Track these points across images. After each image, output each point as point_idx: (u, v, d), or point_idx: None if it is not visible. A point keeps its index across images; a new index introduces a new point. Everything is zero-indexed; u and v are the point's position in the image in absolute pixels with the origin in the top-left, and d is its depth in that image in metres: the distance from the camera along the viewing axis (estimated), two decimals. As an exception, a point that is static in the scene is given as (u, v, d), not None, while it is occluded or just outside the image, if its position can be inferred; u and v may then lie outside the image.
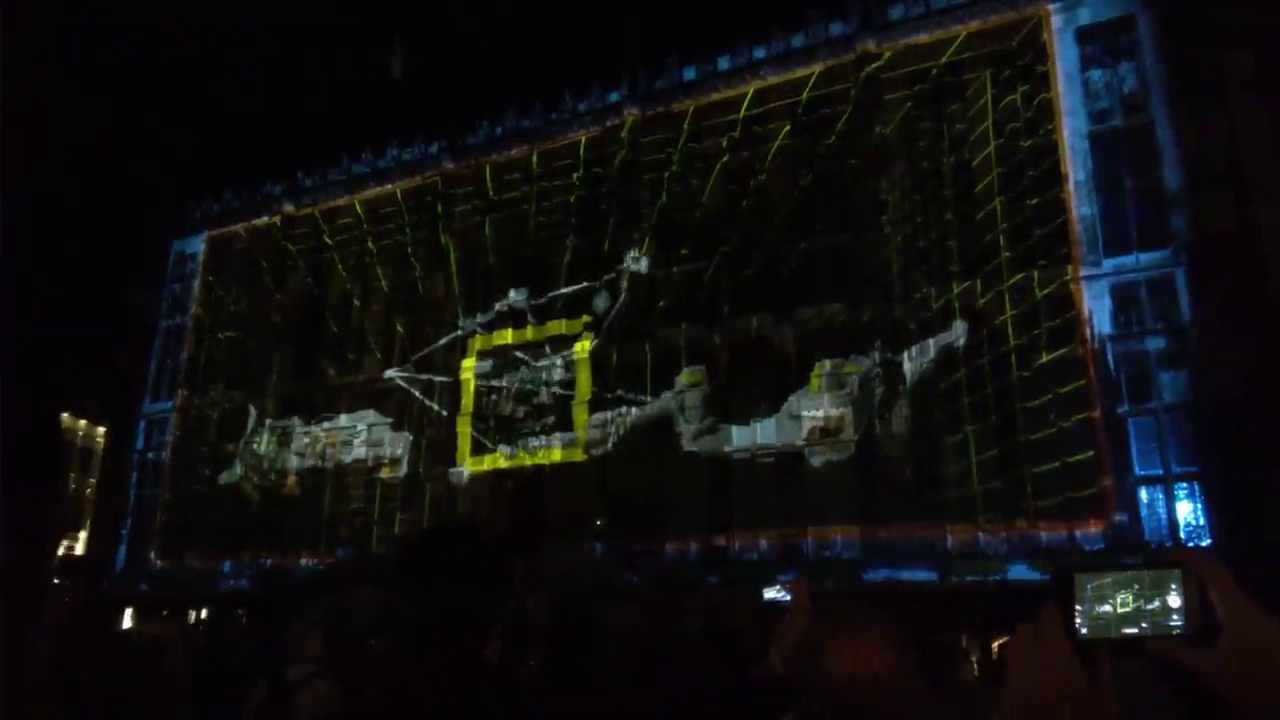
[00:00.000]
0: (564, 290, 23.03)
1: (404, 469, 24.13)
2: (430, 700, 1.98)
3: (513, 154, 24.71)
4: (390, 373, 24.66)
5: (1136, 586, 1.09)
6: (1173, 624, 1.06)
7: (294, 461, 25.84)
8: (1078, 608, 1.10)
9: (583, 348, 22.36)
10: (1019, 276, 17.49)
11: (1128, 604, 1.08)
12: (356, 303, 26.62)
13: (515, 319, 23.75)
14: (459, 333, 24.30)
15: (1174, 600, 1.06)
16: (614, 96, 23.50)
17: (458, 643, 2.03)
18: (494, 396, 23.41)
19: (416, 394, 24.34)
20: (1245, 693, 1.00)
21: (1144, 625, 1.07)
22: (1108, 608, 1.09)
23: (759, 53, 21.72)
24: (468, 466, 23.15)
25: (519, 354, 23.34)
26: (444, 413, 23.91)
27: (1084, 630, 1.10)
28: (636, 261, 21.92)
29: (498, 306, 23.97)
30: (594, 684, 3.52)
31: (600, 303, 22.42)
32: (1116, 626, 1.08)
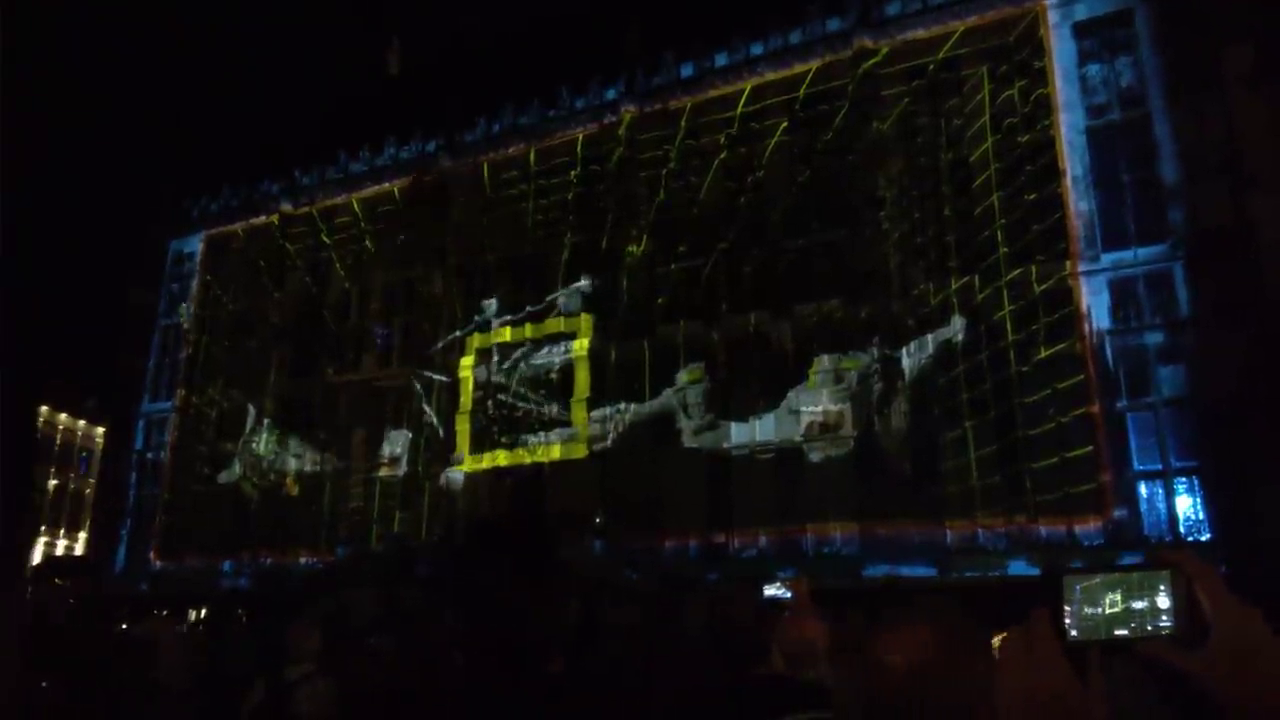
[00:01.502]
0: (562, 288, 23.03)
1: (403, 467, 24.14)
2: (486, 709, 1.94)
3: (510, 152, 24.68)
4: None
5: (1125, 587, 1.09)
6: (1162, 625, 1.06)
7: (293, 461, 25.85)
8: (1067, 609, 1.11)
9: (581, 345, 22.36)
10: (1017, 272, 17.49)
11: (1117, 605, 1.09)
12: (355, 301, 26.62)
13: (514, 314, 23.74)
14: (457, 332, 24.30)
15: (1163, 601, 1.06)
16: (611, 93, 23.47)
17: (523, 655, 1.99)
18: (492, 394, 23.39)
19: (418, 388, 24.34)
20: (1235, 693, 1.00)
21: (1134, 626, 1.07)
22: (1097, 609, 1.09)
23: (756, 49, 21.69)
24: (466, 464, 23.16)
25: (518, 352, 23.33)
26: (442, 411, 23.92)
27: (1074, 632, 1.10)
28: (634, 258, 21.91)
29: (485, 314, 23.99)
30: (597, 682, 3.52)
31: (598, 300, 22.41)
32: (1106, 628, 1.09)
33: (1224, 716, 1.00)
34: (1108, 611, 1.09)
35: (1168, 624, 1.05)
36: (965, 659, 1.45)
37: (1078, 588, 1.11)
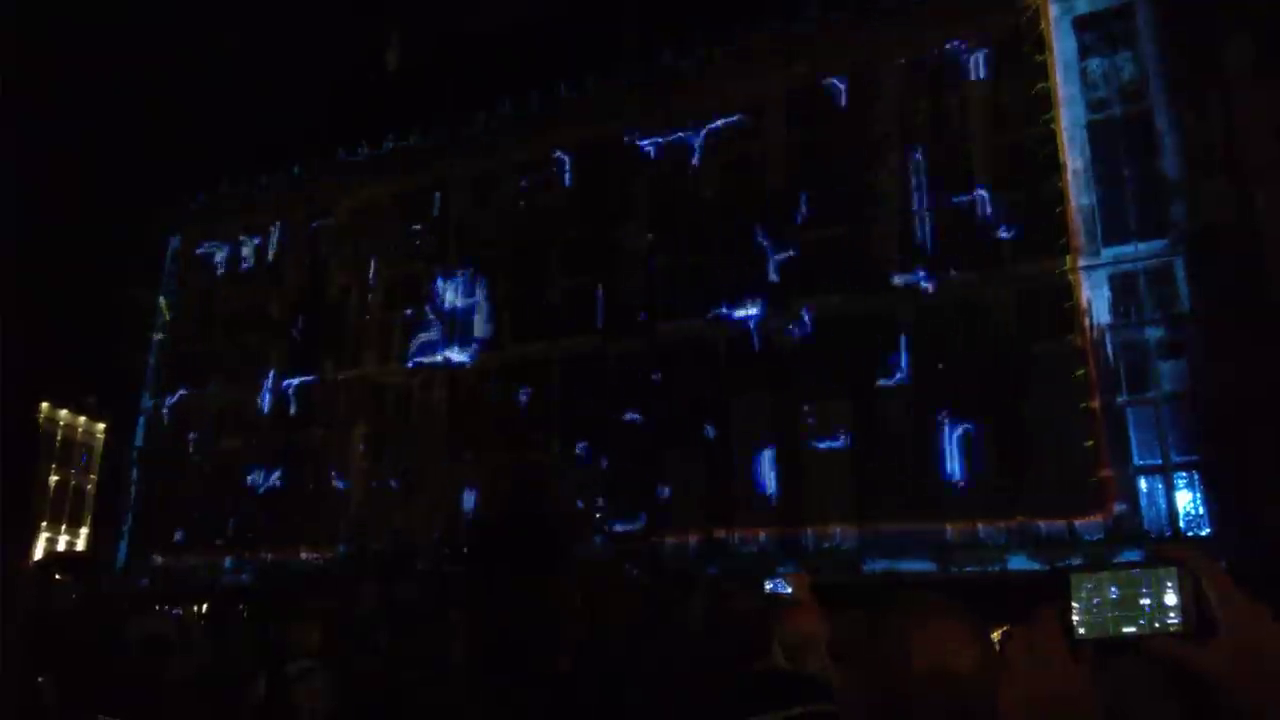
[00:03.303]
0: (562, 283, 23.00)
1: (403, 463, 24.10)
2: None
3: (509, 147, 24.60)
4: None
5: (1132, 584, 1.08)
6: (1170, 621, 1.05)
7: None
8: (1074, 605, 1.10)
9: (581, 342, 22.29)
10: (1018, 266, 17.47)
11: (1124, 602, 1.08)
12: (353, 297, 26.59)
13: (514, 311, 23.68)
14: (454, 328, 24.27)
15: (1170, 598, 1.05)
16: (609, 89, 23.36)
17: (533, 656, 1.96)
18: (493, 390, 23.35)
19: (416, 387, 24.32)
20: (1243, 689, 0.99)
21: (1141, 623, 1.06)
22: (1104, 606, 1.09)
23: (755, 43, 21.60)
24: (465, 461, 23.12)
25: (517, 347, 23.28)
26: (441, 406, 23.88)
27: (1081, 630, 1.09)
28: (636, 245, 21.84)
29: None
30: (599, 677, 3.52)
31: (599, 295, 22.36)
32: (1113, 625, 1.08)
33: (1233, 713, 0.99)
34: (1114, 609, 1.08)
35: (1175, 621, 1.05)
36: (977, 661, 1.44)
37: (1085, 585, 1.10)
